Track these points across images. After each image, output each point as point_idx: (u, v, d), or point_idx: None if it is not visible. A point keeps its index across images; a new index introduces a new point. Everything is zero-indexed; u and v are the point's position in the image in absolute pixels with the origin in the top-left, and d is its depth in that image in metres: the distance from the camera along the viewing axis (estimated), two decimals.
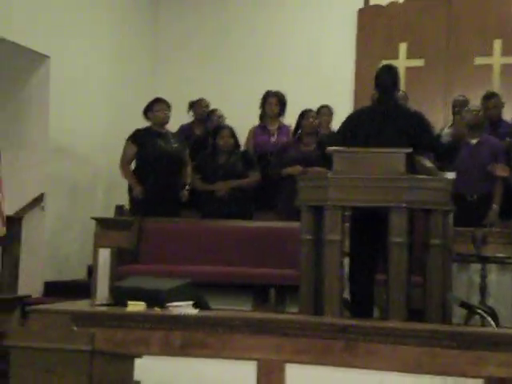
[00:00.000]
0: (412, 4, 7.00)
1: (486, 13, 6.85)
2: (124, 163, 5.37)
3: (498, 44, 6.80)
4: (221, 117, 6.09)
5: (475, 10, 6.88)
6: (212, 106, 6.31)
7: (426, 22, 6.94)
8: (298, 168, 5.16)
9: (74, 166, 6.24)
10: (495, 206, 5.02)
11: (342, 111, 6.60)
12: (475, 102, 5.77)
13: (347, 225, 4.04)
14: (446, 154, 4.34)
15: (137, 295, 3.58)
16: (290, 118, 5.88)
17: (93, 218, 5.21)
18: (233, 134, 5.45)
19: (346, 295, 4.30)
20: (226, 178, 5.30)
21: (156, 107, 5.40)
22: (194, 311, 3.40)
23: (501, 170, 5.02)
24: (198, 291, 3.75)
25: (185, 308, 3.39)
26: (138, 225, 5.03)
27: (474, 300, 4.42)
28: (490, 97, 5.66)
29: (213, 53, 7.48)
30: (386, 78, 4.17)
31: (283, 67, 7.22)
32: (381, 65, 4.58)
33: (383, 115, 4.10)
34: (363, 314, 4.01)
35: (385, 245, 3.67)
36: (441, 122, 6.80)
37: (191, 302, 3.46)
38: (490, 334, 2.89)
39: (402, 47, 6.99)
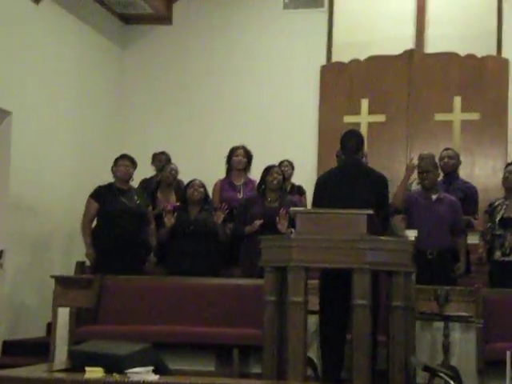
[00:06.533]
0: (373, 61, 7.14)
1: (446, 70, 7.04)
2: (85, 220, 5.31)
3: (457, 101, 6.96)
4: (174, 170, 5.99)
5: (436, 67, 7.06)
6: (175, 160, 6.27)
7: (387, 79, 7.09)
8: (256, 224, 5.12)
9: (35, 221, 6.12)
10: (462, 259, 5.05)
11: (306, 166, 6.71)
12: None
13: (315, 282, 4.02)
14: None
15: (95, 360, 3.48)
16: (254, 172, 5.90)
17: (52, 277, 5.09)
18: (203, 186, 5.41)
19: (312, 354, 4.25)
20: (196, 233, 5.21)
21: (118, 163, 5.35)
22: (155, 377, 3.31)
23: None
24: (158, 355, 3.66)
25: (145, 374, 3.30)
26: (98, 283, 4.93)
27: (438, 358, 4.40)
28: (445, 149, 5.86)
29: (177, 105, 7.51)
30: (352, 143, 4.29)
31: (247, 121, 7.27)
32: (346, 129, 4.64)
33: (349, 177, 4.20)
34: (332, 373, 3.95)
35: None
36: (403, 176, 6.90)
37: (151, 368, 3.37)
38: None
39: (364, 103, 7.10)
